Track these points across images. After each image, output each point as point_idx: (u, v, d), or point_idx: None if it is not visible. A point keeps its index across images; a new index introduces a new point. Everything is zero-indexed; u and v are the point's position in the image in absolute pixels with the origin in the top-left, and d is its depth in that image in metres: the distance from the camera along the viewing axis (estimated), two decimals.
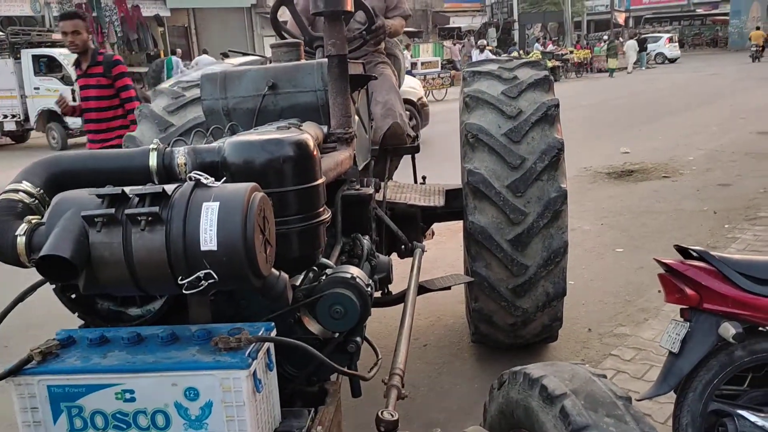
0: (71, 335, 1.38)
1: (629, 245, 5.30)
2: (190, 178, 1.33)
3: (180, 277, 1.25)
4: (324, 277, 1.64)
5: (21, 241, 1.32)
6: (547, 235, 3.00)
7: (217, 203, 1.26)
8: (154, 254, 1.25)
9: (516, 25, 37.80)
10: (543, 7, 38.25)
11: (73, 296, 1.49)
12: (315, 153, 1.60)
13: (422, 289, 2.89)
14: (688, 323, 2.20)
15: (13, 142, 15.24)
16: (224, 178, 1.38)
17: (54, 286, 1.46)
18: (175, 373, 1.26)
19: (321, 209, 1.62)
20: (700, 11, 49.12)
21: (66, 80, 13.65)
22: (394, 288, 2.69)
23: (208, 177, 1.33)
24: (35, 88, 13.89)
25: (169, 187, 1.30)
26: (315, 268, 1.69)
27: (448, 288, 3.05)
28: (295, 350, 1.43)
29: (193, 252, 1.24)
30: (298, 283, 1.62)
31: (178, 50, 20.70)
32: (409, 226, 3.20)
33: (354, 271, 1.66)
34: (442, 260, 5.10)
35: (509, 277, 3.02)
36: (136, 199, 1.28)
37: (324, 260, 1.72)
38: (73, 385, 1.29)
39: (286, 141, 1.53)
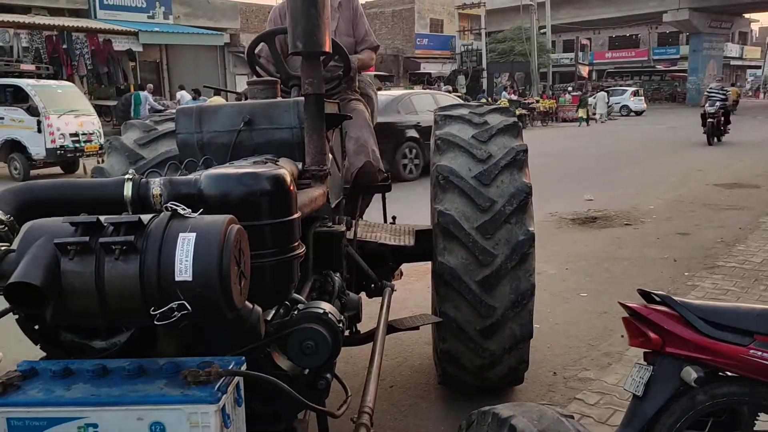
0: (33, 366, 1.34)
1: (593, 290, 5.39)
2: (167, 209, 1.32)
3: (153, 308, 1.23)
4: (296, 312, 1.63)
5: None
6: (515, 277, 3.03)
7: (194, 234, 1.25)
8: (127, 284, 1.23)
9: (485, 74, 38.82)
10: (511, 57, 39.39)
11: (36, 327, 1.45)
12: (291, 188, 1.61)
13: (391, 328, 2.89)
14: (652, 367, 2.23)
15: None
16: (201, 210, 1.37)
17: (17, 316, 1.41)
18: (141, 407, 1.22)
19: (296, 244, 1.62)
20: (659, 67, 51.30)
21: (32, 111, 13.46)
22: (362, 327, 2.69)
23: (185, 208, 1.32)
24: (0, 118, 13.66)
25: (145, 217, 1.29)
26: (286, 303, 1.68)
27: (417, 328, 3.05)
28: (263, 386, 1.41)
29: (167, 282, 1.23)
30: (269, 318, 1.60)
31: (149, 85, 20.62)
32: (379, 266, 3.20)
33: (326, 306, 1.65)
34: (410, 301, 5.09)
35: (477, 318, 3.03)
36: (111, 227, 1.27)
37: (296, 295, 1.71)
38: (35, 417, 1.24)
39: (263, 175, 1.54)
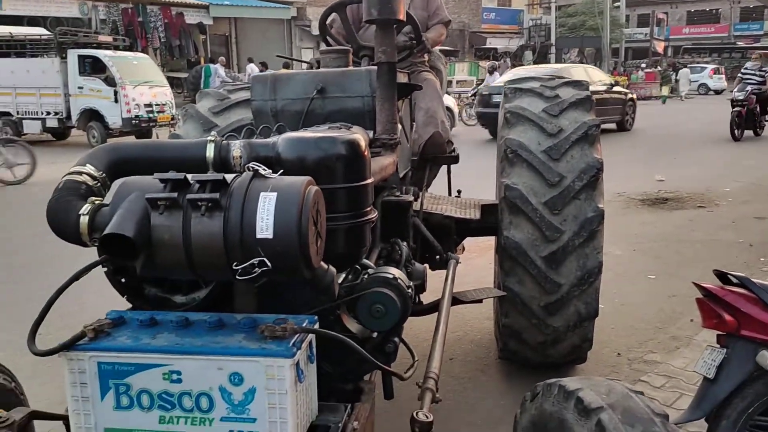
0: (122, 316, 1.42)
1: (662, 272, 5.24)
2: (249, 169, 1.38)
3: (235, 263, 1.29)
4: (365, 277, 1.66)
5: (84, 220, 1.39)
6: (582, 254, 2.98)
7: (275, 194, 1.30)
8: (211, 239, 1.29)
9: (553, 49, 37.70)
10: (581, 32, 38.11)
11: (123, 280, 1.54)
12: (366, 153, 1.64)
13: (454, 300, 2.87)
14: (725, 350, 2.17)
15: (54, 139, 15.63)
16: (281, 171, 1.42)
17: (106, 269, 1.51)
18: (221, 357, 1.28)
19: (369, 209, 1.66)
20: (741, 44, 48.51)
21: (109, 81, 13.99)
22: (425, 299, 2.70)
23: (266, 168, 1.38)
24: (79, 87, 14.24)
25: (229, 176, 1.35)
26: (357, 267, 1.71)
27: (480, 301, 3.03)
28: (334, 346, 1.45)
29: (249, 239, 1.28)
30: (341, 282, 1.63)
31: (222, 58, 21.08)
32: (443, 238, 3.17)
33: (396, 272, 1.68)
34: (471, 276, 5.07)
35: (542, 294, 3.01)
36: (197, 185, 1.32)
37: (365, 261, 1.74)
38: (123, 363, 1.32)
39: (339, 139, 1.59)
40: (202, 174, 1.36)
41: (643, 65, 36.35)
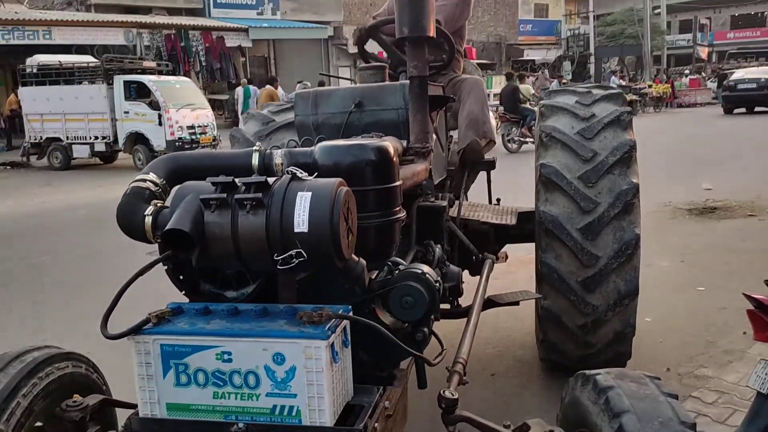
0: (180, 306, 1.61)
1: (711, 284, 5.06)
2: (287, 172, 1.56)
3: (276, 254, 1.46)
4: (396, 273, 1.78)
5: (148, 220, 1.61)
6: (618, 226, 2.95)
7: (310, 193, 1.48)
8: (255, 233, 1.47)
9: (592, 59, 37.26)
10: (621, 40, 37.59)
11: (181, 277, 1.72)
12: (394, 158, 1.80)
13: (491, 303, 2.94)
14: None
15: (102, 162, 16.13)
16: (315, 174, 1.59)
17: (166, 267, 1.70)
18: (266, 339, 1.46)
19: (397, 208, 1.82)
20: None
21: (153, 105, 14.40)
22: (464, 303, 2.68)
23: (302, 172, 1.56)
24: (125, 112, 14.69)
25: (271, 179, 1.54)
26: (389, 264, 1.83)
27: (517, 303, 3.04)
28: (368, 335, 1.61)
29: (287, 233, 1.46)
30: (374, 277, 1.77)
31: (243, 80, 21.39)
32: (482, 244, 3.20)
33: (424, 267, 1.79)
34: (512, 290, 5.01)
35: (579, 267, 2.97)
36: (243, 187, 1.52)
37: (397, 259, 1.88)
38: (182, 345, 1.50)
39: (369, 146, 1.77)
40: (247, 177, 1.54)
41: (687, 72, 35.59)
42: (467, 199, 3.98)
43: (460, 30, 3.92)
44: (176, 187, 1.64)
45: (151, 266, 1.63)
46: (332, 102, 2.63)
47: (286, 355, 1.44)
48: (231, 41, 24.40)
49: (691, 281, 5.17)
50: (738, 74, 22.05)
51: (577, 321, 3.04)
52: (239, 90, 20.46)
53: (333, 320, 1.47)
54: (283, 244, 1.45)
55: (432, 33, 2.41)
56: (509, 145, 14.99)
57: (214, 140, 15.02)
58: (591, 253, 2.94)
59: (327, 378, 1.43)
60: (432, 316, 1.83)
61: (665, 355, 3.81)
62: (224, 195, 1.50)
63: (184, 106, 14.67)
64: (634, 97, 25.31)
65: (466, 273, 2.99)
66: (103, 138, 14.98)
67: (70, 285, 5.81)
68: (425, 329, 1.80)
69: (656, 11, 37.86)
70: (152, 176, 1.74)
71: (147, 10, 24.14)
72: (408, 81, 2.48)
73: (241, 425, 1.47)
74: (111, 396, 2.01)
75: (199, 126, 14.80)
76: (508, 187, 5.23)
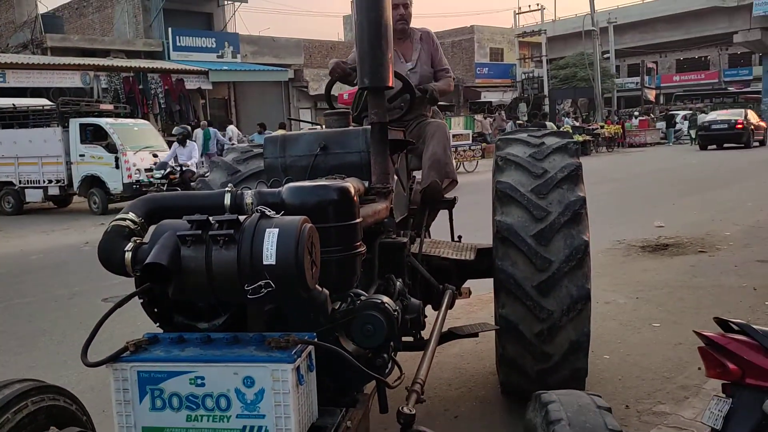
0: (156, 335, 1.73)
1: (666, 320, 5.18)
2: (257, 211, 1.70)
3: (246, 285, 1.59)
4: (358, 303, 1.90)
5: (128, 255, 1.73)
6: (568, 234, 3.11)
7: (277, 229, 1.62)
8: (227, 266, 1.61)
9: (546, 101, 38.40)
10: (573, 83, 38.90)
11: (156, 309, 1.83)
12: (354, 198, 1.96)
13: (451, 334, 3.14)
14: (731, 399, 2.13)
15: (55, 206, 15.76)
16: (282, 213, 1.73)
17: (141, 300, 1.80)
18: (236, 364, 1.57)
19: (358, 243, 1.96)
20: (732, 89, 49.41)
21: (110, 148, 14.17)
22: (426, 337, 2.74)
23: (271, 210, 1.71)
24: (80, 155, 14.43)
25: (242, 217, 1.68)
26: (351, 295, 1.95)
27: (476, 335, 3.22)
28: (332, 361, 1.73)
29: (257, 265, 1.59)
30: (337, 308, 1.90)
31: (204, 122, 21.32)
32: (444, 279, 3.29)
33: (384, 298, 1.92)
34: None
35: (534, 272, 3.08)
36: (217, 224, 1.64)
37: (359, 291, 2.00)
38: (157, 371, 1.61)
39: (331, 187, 1.93)
40: (220, 216, 1.67)
41: (636, 113, 36.95)
42: (429, 236, 4.11)
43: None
44: (154, 225, 1.78)
45: (129, 298, 1.74)
46: (299, 145, 2.77)
47: (256, 378, 1.56)
48: (191, 83, 24.39)
49: (646, 317, 5.28)
50: (711, 116, 25.89)
51: (534, 328, 3.11)
52: (198, 132, 20.35)
53: (299, 345, 1.60)
54: (252, 275, 1.58)
55: (390, 83, 2.58)
56: None
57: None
58: (544, 258, 3.07)
59: (293, 399, 1.55)
60: (391, 343, 1.95)
61: (625, 393, 3.86)
62: (199, 231, 1.63)
63: (143, 149, 14.50)
64: (588, 137, 26.16)
65: (428, 308, 3.05)
66: (57, 181, 14.67)
67: (20, 336, 5.60)
68: (385, 355, 1.92)
69: (605, 56, 39.42)
70: (131, 215, 1.87)
71: (105, 53, 24.02)
72: (369, 126, 2.64)
73: None
74: (92, 427, 2.08)
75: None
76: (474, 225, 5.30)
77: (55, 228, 12.35)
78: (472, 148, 21.97)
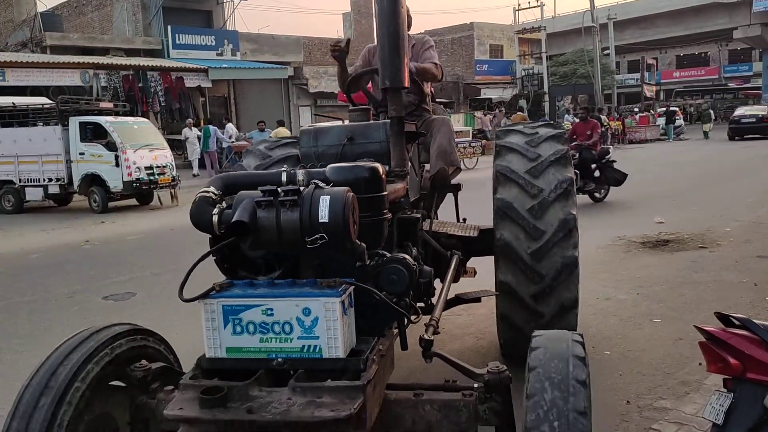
0: (232, 281, 2.22)
1: (667, 316, 5.18)
2: (312, 183, 2.18)
3: (306, 238, 2.06)
4: (384, 259, 2.35)
5: (215, 218, 2.19)
6: (558, 208, 3.57)
7: (329, 196, 2.10)
8: (292, 223, 2.08)
9: (546, 97, 38.33)
10: (573, 80, 38.82)
11: (225, 266, 2.32)
12: (383, 175, 2.41)
13: (457, 300, 3.63)
14: (732, 394, 2.13)
15: (55, 205, 15.74)
16: (330, 185, 2.21)
17: (215, 258, 2.30)
18: (297, 298, 2.09)
19: (385, 211, 2.41)
20: (731, 85, 49.36)
21: (110, 146, 14.13)
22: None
23: (322, 183, 2.19)
24: (80, 153, 14.35)
25: (302, 188, 2.15)
26: (379, 254, 2.37)
27: (479, 300, 3.71)
28: (365, 303, 2.23)
29: (314, 222, 2.06)
30: (367, 263, 2.31)
31: (190, 120, 21.26)
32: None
33: (404, 255, 2.39)
34: (474, 326, 5.04)
35: (529, 241, 3.55)
36: (283, 193, 2.11)
37: (384, 251, 2.41)
38: (237, 305, 2.13)
39: (365, 166, 2.37)
40: (286, 187, 2.16)
41: (636, 110, 36.89)
42: (437, 218, 4.49)
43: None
44: (237, 194, 2.23)
45: (214, 251, 2.25)
46: (329, 137, 3.27)
47: (312, 309, 2.07)
48: (190, 81, 24.33)
49: (647, 313, 5.28)
50: (740, 111, 29.83)
51: (529, 290, 3.58)
52: (186, 131, 20.22)
53: (343, 285, 2.10)
54: (311, 230, 2.06)
55: (407, 83, 3.05)
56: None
57: (173, 180, 14.82)
58: (538, 228, 3.55)
59: (340, 325, 2.05)
60: (411, 291, 2.40)
61: (625, 388, 3.87)
62: (271, 198, 2.10)
63: (143, 147, 14.44)
64: None
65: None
66: (57, 180, 14.60)
67: (20, 334, 5.60)
68: (407, 299, 2.38)
69: (605, 52, 39.35)
70: (212, 188, 2.32)
71: (104, 51, 23.99)
72: (389, 120, 3.14)
73: (279, 360, 2.09)
74: (179, 365, 2.59)
75: (158, 167, 14.55)
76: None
77: (55, 226, 12.35)
78: (472, 144, 21.95)
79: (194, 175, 19.90)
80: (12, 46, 24.66)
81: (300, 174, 2.35)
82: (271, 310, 2.08)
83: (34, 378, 2.13)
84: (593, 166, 11.70)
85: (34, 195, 15.01)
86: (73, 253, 9.45)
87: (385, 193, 2.39)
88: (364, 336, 2.25)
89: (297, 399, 1.95)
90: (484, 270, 4.57)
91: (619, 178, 11.75)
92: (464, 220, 4.53)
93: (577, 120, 15.50)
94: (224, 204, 2.25)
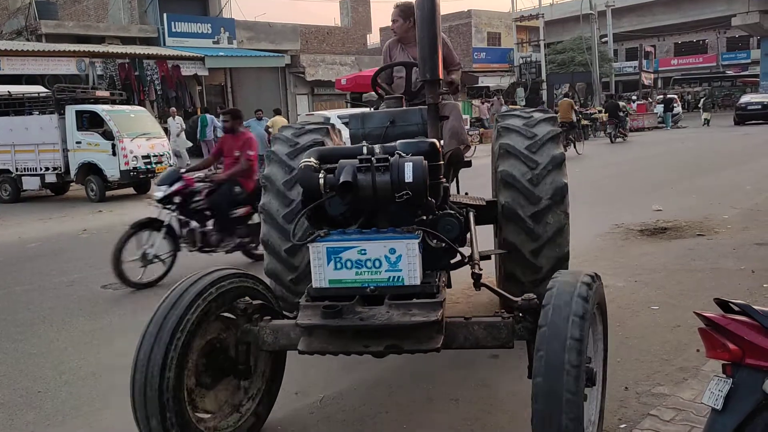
0: (329, 230, 2.90)
1: (665, 303, 5.20)
2: (396, 153, 2.91)
3: (396, 194, 2.80)
4: (440, 213, 3.11)
5: (322, 181, 2.90)
6: (553, 179, 4.10)
7: (411, 162, 2.83)
8: (385, 183, 2.82)
9: (544, 85, 38.20)
10: (571, 68, 38.67)
11: (314, 221, 3.01)
12: (440, 148, 3.12)
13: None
14: (731, 379, 2.13)
15: (53, 194, 15.69)
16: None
17: (306, 215, 3.00)
18: (385, 241, 2.83)
19: (441, 176, 3.12)
20: (730, 72, 49.23)
21: (107, 135, 14.07)
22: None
23: (404, 154, 2.89)
24: (77, 143, 14.29)
25: (389, 157, 2.87)
26: (435, 210, 3.07)
27: (489, 257, 4.16)
28: (430, 248, 3.01)
29: (402, 182, 2.80)
30: (426, 219, 3.03)
31: (173, 109, 20.98)
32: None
33: (454, 210, 3.22)
34: (472, 313, 5.04)
35: (528, 205, 4.07)
36: (377, 161, 2.83)
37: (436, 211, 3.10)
38: (338, 246, 2.87)
39: (428, 141, 3.11)
40: (378, 155, 2.88)
41: (634, 97, 36.79)
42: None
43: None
44: (338, 162, 2.91)
45: (315, 205, 2.95)
46: (374, 121, 3.99)
47: (396, 248, 2.81)
48: (187, 70, 24.19)
49: (645, 300, 5.30)
50: (746, 98, 31.71)
51: (529, 247, 4.10)
52: (170, 120, 20.01)
53: (418, 231, 2.85)
54: (399, 188, 2.79)
55: (441, 75, 3.52)
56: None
57: None
58: (535, 195, 4.08)
59: (417, 261, 2.82)
60: (461, 237, 3.13)
61: (624, 375, 3.88)
62: (367, 164, 2.82)
63: (139, 136, 14.38)
64: (586, 122, 26.02)
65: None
66: (54, 169, 14.54)
67: (19, 323, 5.60)
68: (456, 245, 3.09)
69: (603, 40, 39.21)
70: (312, 159, 2.98)
71: (100, 40, 23.84)
72: (425, 106, 3.68)
73: (372, 287, 2.83)
74: (276, 303, 3.35)
75: (155, 155, 14.51)
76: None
77: (52, 216, 12.32)
78: (470, 133, 21.90)
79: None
80: (7, 35, 24.50)
81: (377, 147, 3.00)
82: (365, 250, 2.81)
83: (158, 312, 2.79)
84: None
85: (31, 184, 14.97)
86: (71, 242, 9.44)
87: (441, 162, 3.07)
88: (429, 269, 3.02)
89: (393, 312, 2.69)
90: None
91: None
92: (466, 193, 4.98)
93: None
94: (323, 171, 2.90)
